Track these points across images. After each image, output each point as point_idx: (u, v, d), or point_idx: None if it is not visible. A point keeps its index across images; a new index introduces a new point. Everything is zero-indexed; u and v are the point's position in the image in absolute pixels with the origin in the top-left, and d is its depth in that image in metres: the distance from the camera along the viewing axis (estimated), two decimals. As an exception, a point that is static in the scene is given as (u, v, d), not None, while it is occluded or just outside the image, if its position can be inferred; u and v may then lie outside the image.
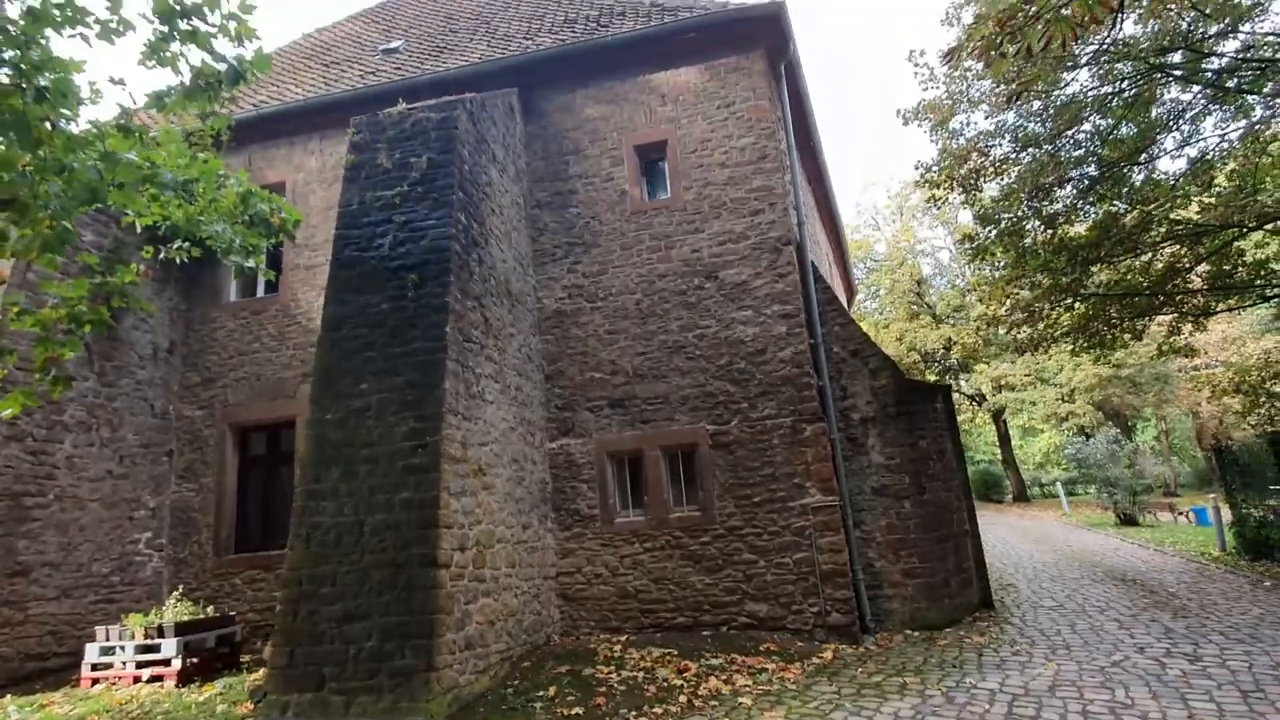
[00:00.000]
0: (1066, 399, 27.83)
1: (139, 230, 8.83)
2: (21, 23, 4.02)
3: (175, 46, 3.95)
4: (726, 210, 8.41)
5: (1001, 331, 14.91)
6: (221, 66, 4.03)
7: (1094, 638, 6.78)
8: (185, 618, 6.53)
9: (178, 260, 6.69)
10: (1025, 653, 6.35)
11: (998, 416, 32.49)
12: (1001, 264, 12.51)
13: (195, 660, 6.31)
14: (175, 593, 7.14)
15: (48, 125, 4.16)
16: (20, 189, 4.12)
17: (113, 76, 3.94)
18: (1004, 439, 33.67)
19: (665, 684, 5.68)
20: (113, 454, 8.30)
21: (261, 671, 6.48)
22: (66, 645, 7.45)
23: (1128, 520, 19.89)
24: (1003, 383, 29.63)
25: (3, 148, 4.24)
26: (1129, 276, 11.85)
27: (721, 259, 8.27)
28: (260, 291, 9.81)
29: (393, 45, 11.44)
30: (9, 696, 6.30)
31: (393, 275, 6.06)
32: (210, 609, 6.86)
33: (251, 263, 6.69)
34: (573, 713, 5.01)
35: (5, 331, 6.50)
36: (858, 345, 8.40)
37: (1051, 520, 22.42)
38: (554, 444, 8.20)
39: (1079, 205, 11.31)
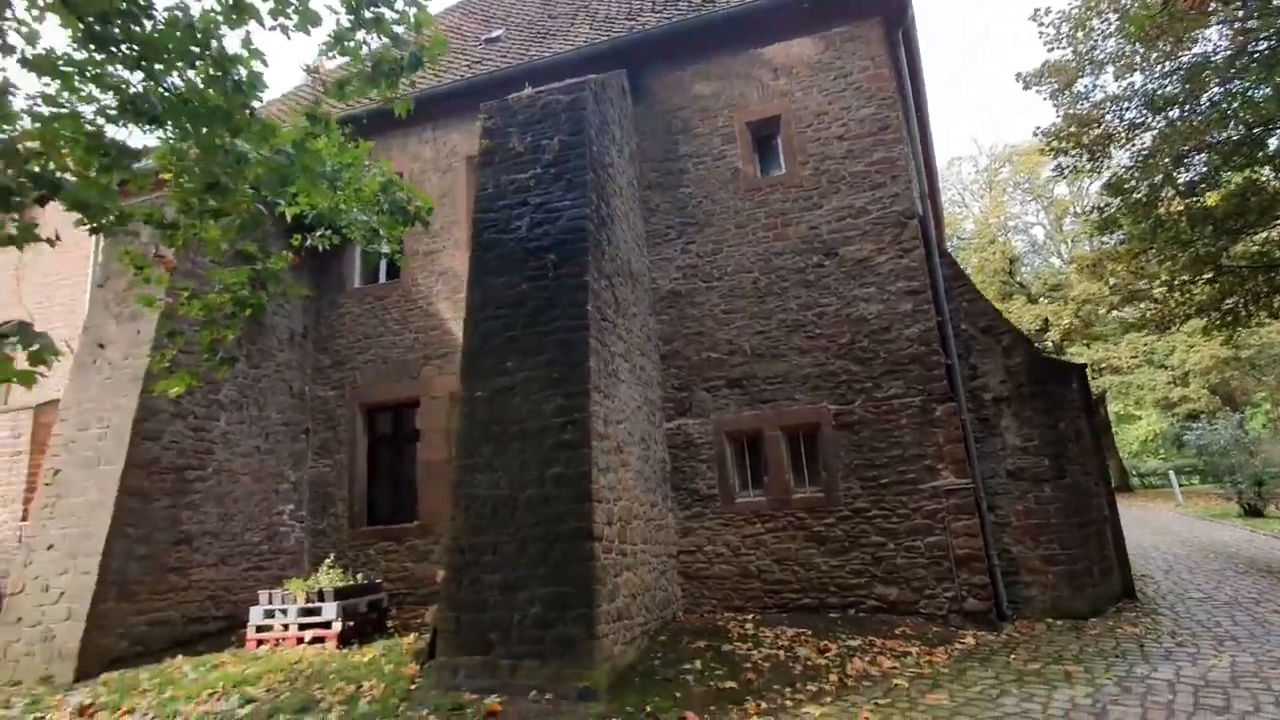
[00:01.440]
0: (1179, 382, 25.94)
1: (288, 219, 9.31)
2: (220, 16, 4.28)
3: (360, 35, 4.10)
4: (846, 185, 8.17)
5: (1114, 311, 14.00)
6: (403, 52, 4.16)
7: (1259, 629, 6.32)
8: (339, 584, 6.92)
9: (320, 248, 7.03)
10: (1190, 644, 5.97)
11: (1098, 402, 30.65)
12: (1127, 236, 11.70)
13: (351, 624, 6.68)
14: (327, 560, 7.58)
15: (247, 113, 4.42)
16: (221, 174, 4.41)
17: (306, 65, 4.13)
18: (1104, 425, 31.76)
19: (809, 663, 5.64)
20: (259, 431, 8.87)
21: (412, 636, 6.82)
22: (224, 609, 8.05)
23: (1253, 511, 18.43)
24: (1104, 365, 27.89)
25: (205, 134, 4.55)
26: (1267, 249, 10.88)
27: (841, 235, 8.05)
28: (383, 278, 10.23)
29: (494, 35, 11.64)
30: (180, 657, 6.85)
31: (531, 256, 6.18)
32: (359, 576, 7.26)
33: (387, 249, 6.97)
34: (726, 686, 5.04)
35: (175, 316, 7.00)
36: (988, 322, 8.03)
37: (1164, 511, 21.02)
38: (671, 424, 8.23)
39: (1216, 172, 10.41)
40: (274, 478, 9.00)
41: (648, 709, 4.53)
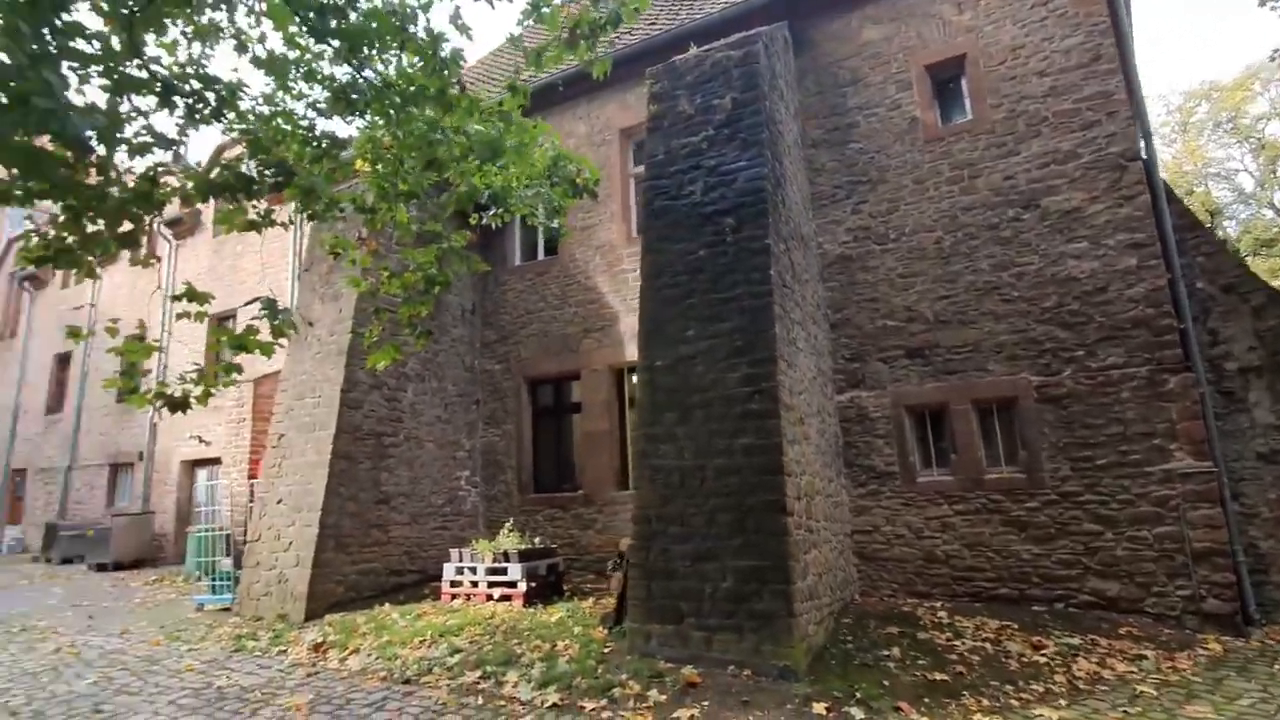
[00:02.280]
0: None
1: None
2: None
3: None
4: (1048, 126, 7.20)
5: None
6: (602, 12, 4.07)
7: None
8: (520, 547, 7.26)
9: (493, 226, 7.25)
10: None
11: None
12: None
13: (533, 585, 6.99)
14: (506, 524, 7.99)
15: (455, 89, 4.57)
16: (439, 149, 4.59)
17: (511, 34, 4.16)
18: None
19: (1025, 660, 5.10)
20: (440, 401, 9.51)
21: (590, 601, 7.03)
22: (416, 563, 8.75)
23: None
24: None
25: (414, 111, 4.75)
26: None
27: (1044, 184, 7.12)
28: (540, 255, 10.53)
29: None
30: (386, 605, 7.50)
31: (707, 221, 5.99)
32: (538, 540, 7.59)
33: (556, 224, 7.05)
34: (936, 678, 4.67)
35: (376, 294, 7.56)
36: (1231, 279, 6.80)
37: None
38: (843, 396, 7.79)
39: None
40: (452, 445, 9.62)
41: (857, 694, 4.28)
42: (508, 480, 9.88)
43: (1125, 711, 4.17)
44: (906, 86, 8.01)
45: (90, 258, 4.58)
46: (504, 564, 7.05)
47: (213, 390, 5.13)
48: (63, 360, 17.11)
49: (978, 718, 4.07)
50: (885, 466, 7.47)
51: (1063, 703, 4.32)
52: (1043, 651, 5.28)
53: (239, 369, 5.13)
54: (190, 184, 4.71)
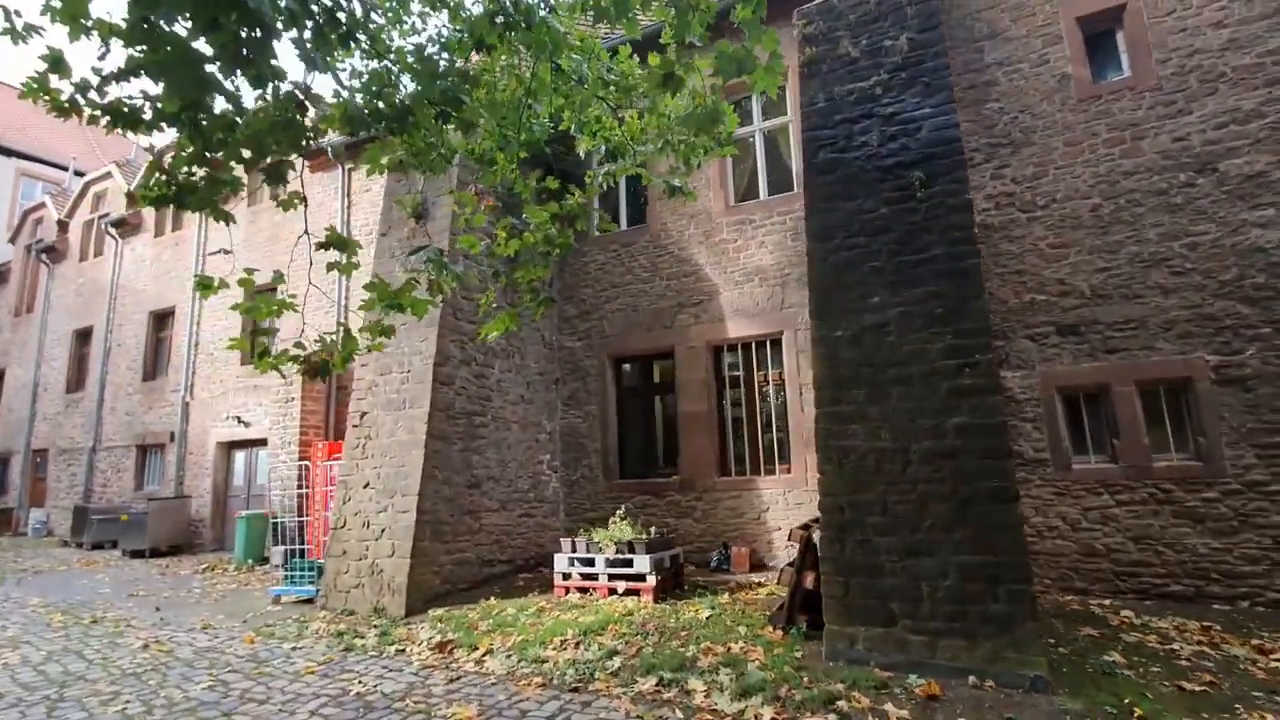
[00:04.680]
0: None
1: (582, 155, 8.99)
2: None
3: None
4: (1226, 83, 6.57)
5: None
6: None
7: None
8: (641, 536, 6.64)
9: (605, 185, 6.58)
10: None
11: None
12: None
13: (659, 578, 6.37)
14: (619, 512, 7.36)
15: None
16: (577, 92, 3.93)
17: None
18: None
19: (1260, 665, 4.54)
20: (522, 380, 8.84)
21: (726, 596, 6.42)
22: (506, 553, 8.12)
23: None
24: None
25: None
26: None
27: (1222, 146, 6.50)
28: (623, 224, 9.83)
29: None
30: (492, 599, 6.84)
31: (887, 174, 5.33)
32: (652, 530, 6.97)
33: (678, 182, 6.38)
34: (1190, 688, 4.09)
35: (494, 256, 6.86)
36: None
37: None
38: (983, 377, 7.18)
39: None
40: (534, 427, 8.97)
41: (1136, 710, 3.70)
42: (591, 465, 9.24)
43: None
44: (1055, 40, 7.35)
45: (221, 194, 3.91)
46: (628, 555, 6.43)
47: (356, 353, 4.47)
48: (83, 336, 16.26)
49: (1285, 739, 3.51)
50: (1035, 453, 6.89)
51: (1365, 720, 3.75)
52: (1274, 656, 4.72)
53: (391, 331, 4.47)
54: (335, 112, 4.03)
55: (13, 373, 18.01)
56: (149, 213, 15.23)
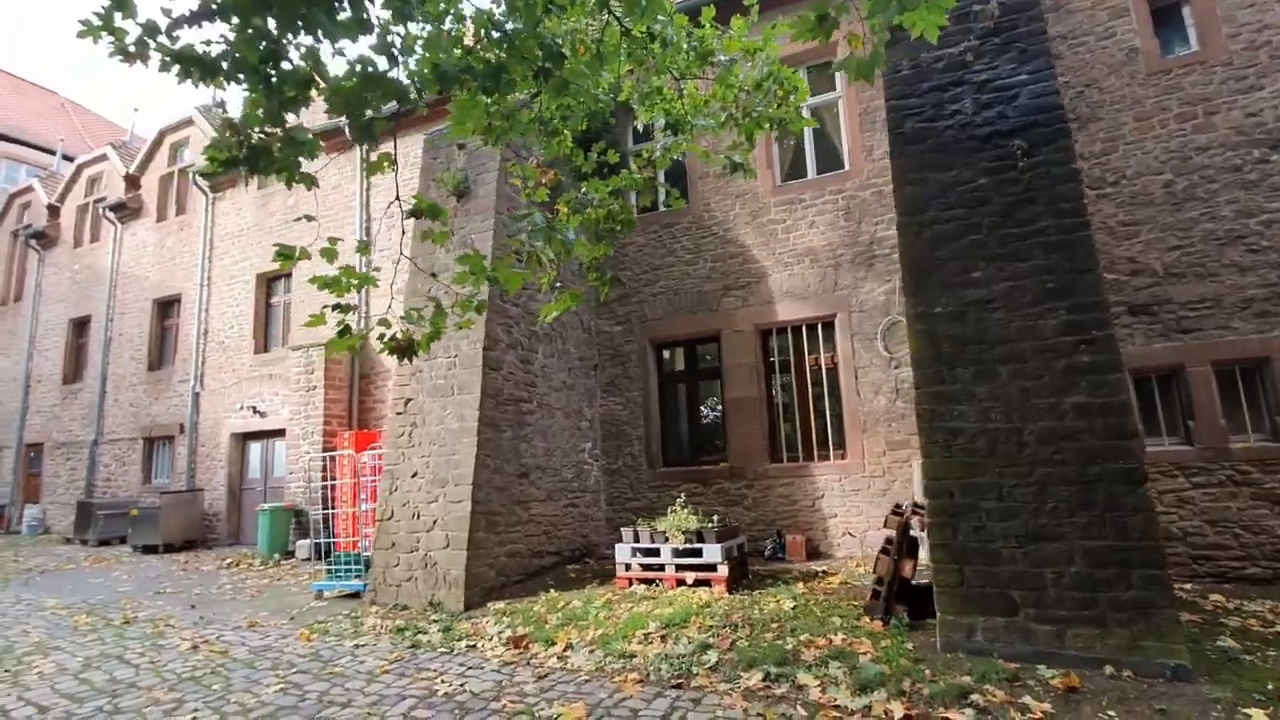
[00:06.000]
0: None
1: (640, 128, 8.64)
2: None
3: None
4: (1303, 56, 6.42)
5: None
6: None
7: None
8: (707, 525, 6.40)
9: (668, 159, 6.30)
10: None
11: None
12: None
13: (729, 568, 6.15)
14: (679, 500, 7.11)
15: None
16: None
17: None
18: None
19: (1384, 651, 4.41)
20: (564, 366, 8.54)
21: (801, 584, 6.21)
22: (553, 544, 7.85)
23: None
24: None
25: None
26: None
27: (1300, 121, 6.36)
28: (660, 205, 9.52)
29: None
30: (552, 591, 6.58)
31: (984, 144, 5.10)
32: (716, 519, 6.71)
33: (739, 158, 6.12)
34: (1327, 675, 3.94)
35: (543, 234, 6.54)
36: None
37: None
38: (1050, 358, 7.01)
39: None
40: (576, 414, 8.68)
41: (1291, 699, 3.53)
42: (633, 453, 8.98)
43: None
44: (1122, 13, 7.15)
45: (296, 159, 3.59)
46: (697, 545, 6.18)
47: (444, 331, 4.16)
48: (79, 325, 15.65)
49: None
50: (1105, 435, 6.73)
51: None
52: (1389, 642, 4.59)
53: (484, 307, 4.16)
54: (424, 67, 3.71)
55: (0, 364, 17.34)
56: (150, 196, 14.65)
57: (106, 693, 4.52)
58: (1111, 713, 3.48)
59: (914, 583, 5.13)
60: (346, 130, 11.16)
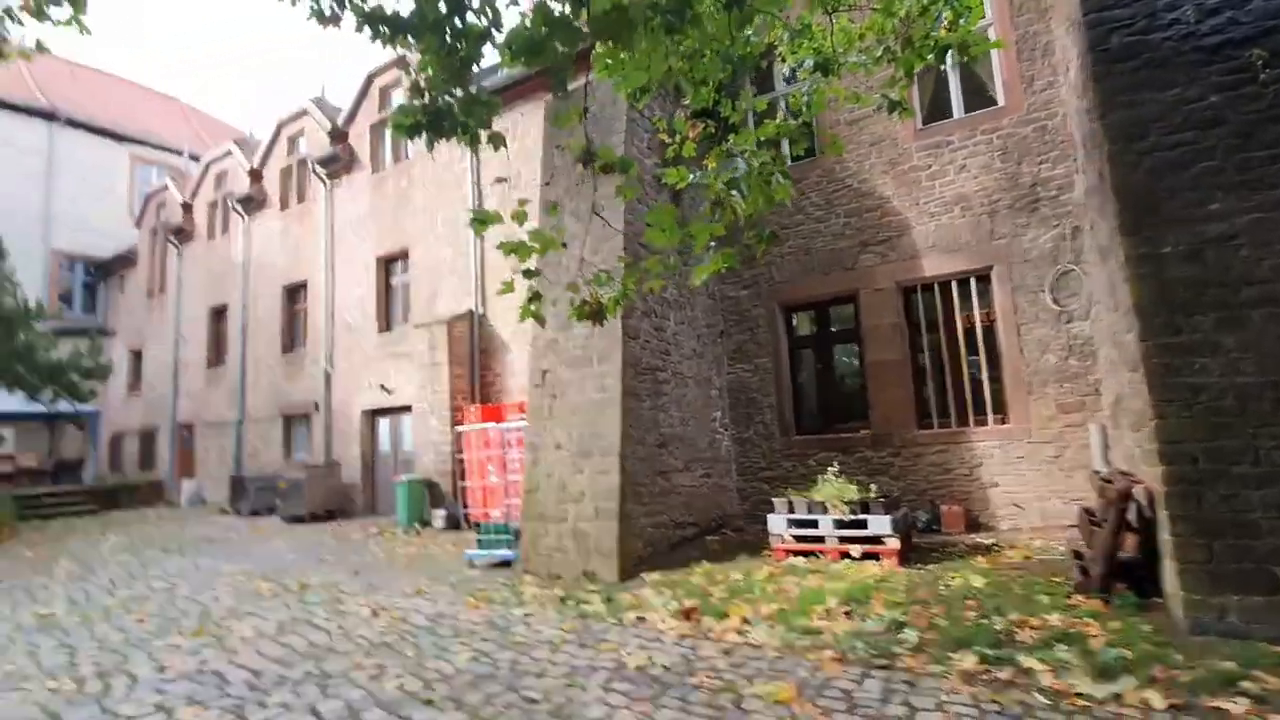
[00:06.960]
0: None
1: (788, 72, 8.17)
2: None
3: None
4: None
5: None
6: None
7: None
8: (876, 496, 6.06)
9: (814, 108, 5.83)
10: None
11: None
12: None
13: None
14: (832, 469, 6.80)
15: None
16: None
17: None
18: None
19: None
20: (693, 333, 8.32)
21: (980, 557, 5.80)
22: (693, 515, 7.72)
23: None
24: None
25: None
26: None
27: None
28: (788, 159, 9.03)
29: None
30: (705, 563, 6.42)
31: (1211, 56, 4.38)
32: (873, 488, 6.37)
33: (896, 94, 5.57)
34: None
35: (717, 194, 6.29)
36: None
37: None
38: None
39: None
40: (706, 383, 8.47)
41: None
42: (765, 421, 8.69)
43: None
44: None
45: (484, 116, 3.48)
46: (862, 516, 5.86)
47: (631, 294, 4.00)
48: (218, 313, 16.85)
49: None
50: None
51: None
52: None
53: (676, 267, 3.96)
54: (607, 3, 3.47)
55: (151, 352, 18.96)
56: (272, 188, 15.42)
57: (310, 657, 4.74)
58: None
59: (1122, 557, 4.63)
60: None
